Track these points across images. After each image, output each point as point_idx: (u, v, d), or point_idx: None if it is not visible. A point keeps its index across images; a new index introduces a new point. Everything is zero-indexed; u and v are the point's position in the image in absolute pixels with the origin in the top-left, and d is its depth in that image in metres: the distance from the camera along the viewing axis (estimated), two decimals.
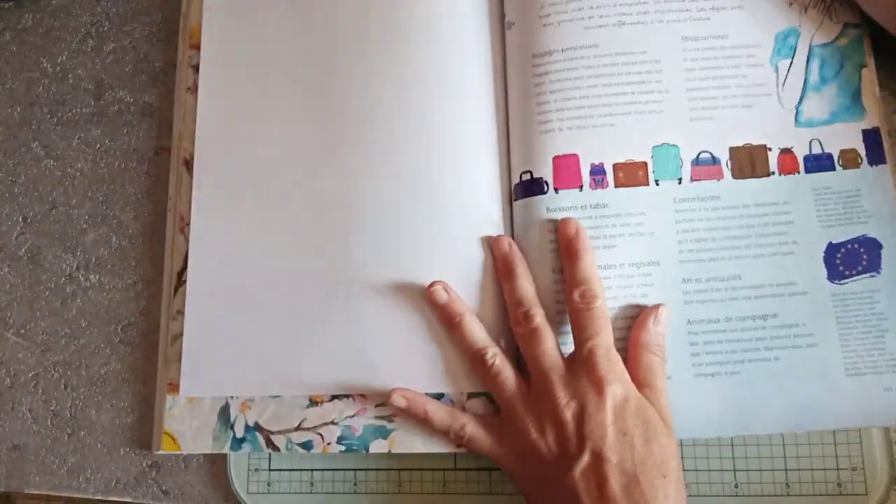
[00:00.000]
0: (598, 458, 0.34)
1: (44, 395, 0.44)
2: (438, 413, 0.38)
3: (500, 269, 0.39)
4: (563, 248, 0.39)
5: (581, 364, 0.36)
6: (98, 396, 0.43)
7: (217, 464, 0.42)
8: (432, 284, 0.39)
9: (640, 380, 0.36)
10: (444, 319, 0.39)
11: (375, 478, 0.41)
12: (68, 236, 0.46)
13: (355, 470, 0.41)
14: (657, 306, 0.38)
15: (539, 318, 0.37)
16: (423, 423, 0.38)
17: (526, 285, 0.38)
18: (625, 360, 0.37)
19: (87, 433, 0.43)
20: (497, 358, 0.37)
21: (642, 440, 0.34)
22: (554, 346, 0.37)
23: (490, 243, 0.40)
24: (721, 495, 0.39)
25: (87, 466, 0.42)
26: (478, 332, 0.38)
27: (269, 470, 0.41)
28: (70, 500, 0.43)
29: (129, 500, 0.42)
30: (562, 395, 0.35)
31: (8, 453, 0.43)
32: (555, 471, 0.34)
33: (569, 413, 0.35)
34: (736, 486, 0.39)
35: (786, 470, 0.39)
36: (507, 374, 0.37)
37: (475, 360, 0.38)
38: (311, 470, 0.41)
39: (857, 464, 0.39)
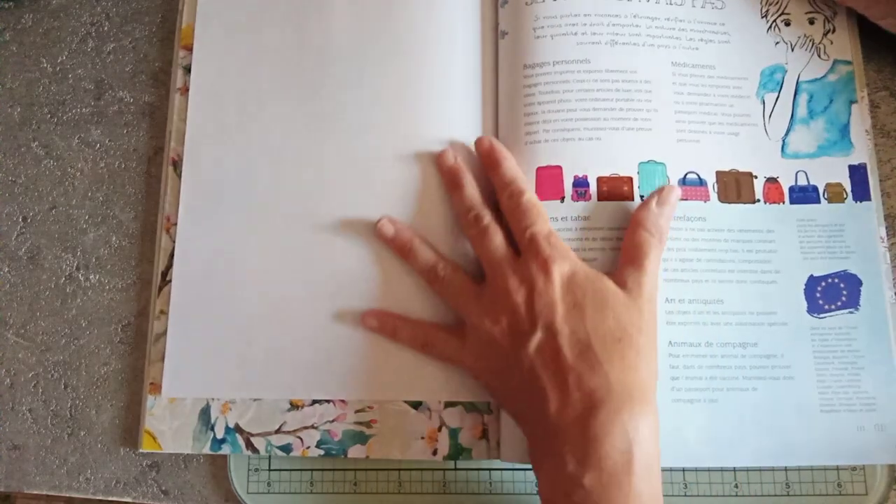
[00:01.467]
0: (550, 332, 0.34)
1: (44, 395, 0.44)
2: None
3: (446, 181, 0.41)
4: (484, 160, 0.40)
5: (525, 250, 0.37)
6: (98, 396, 0.43)
7: (217, 464, 0.42)
8: (379, 220, 0.40)
9: (626, 256, 0.37)
10: (397, 250, 0.40)
11: (375, 478, 0.41)
12: (68, 236, 0.46)
13: (355, 470, 0.41)
14: (664, 187, 0.38)
15: (487, 217, 0.38)
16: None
17: (473, 192, 0.40)
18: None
19: (87, 433, 0.43)
20: (448, 268, 0.39)
21: (593, 309, 0.34)
22: (503, 241, 0.38)
23: (435, 159, 0.41)
24: (721, 495, 0.39)
25: (87, 466, 0.43)
26: (428, 253, 0.40)
27: (269, 470, 0.41)
28: (70, 500, 0.43)
29: (129, 500, 0.42)
30: (512, 282, 0.36)
31: (8, 453, 0.43)
32: (512, 354, 0.35)
33: (519, 297, 0.35)
34: (736, 486, 0.39)
35: (786, 470, 0.39)
36: (461, 277, 0.38)
37: (429, 274, 0.39)
38: (311, 470, 0.41)
39: (857, 464, 0.39)
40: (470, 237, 0.39)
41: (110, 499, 0.42)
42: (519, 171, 0.39)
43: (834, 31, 0.43)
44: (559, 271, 0.35)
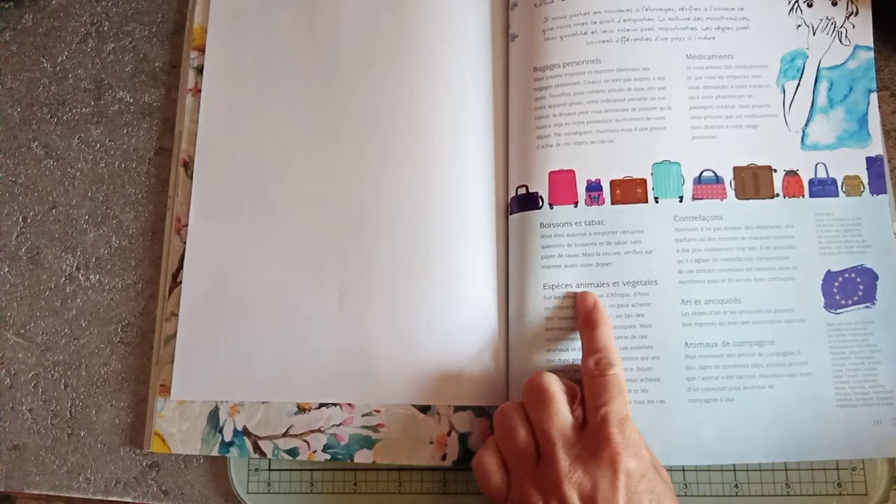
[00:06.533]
0: None
1: (44, 395, 0.44)
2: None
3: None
4: (582, 319, 0.38)
5: (592, 430, 0.34)
6: (98, 396, 0.43)
7: (217, 464, 0.42)
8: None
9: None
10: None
11: (375, 478, 0.41)
12: (68, 236, 0.46)
13: (355, 470, 0.41)
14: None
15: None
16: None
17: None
18: None
19: (87, 433, 0.43)
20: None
21: None
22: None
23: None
24: (721, 495, 0.39)
25: (87, 466, 0.42)
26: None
27: (269, 470, 0.41)
28: (70, 500, 0.43)
29: (129, 500, 0.42)
30: (574, 475, 0.33)
31: (8, 453, 0.43)
32: None
33: (578, 492, 0.33)
34: (736, 486, 0.39)
35: (786, 470, 0.39)
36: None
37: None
38: (311, 470, 0.41)
39: (857, 464, 0.39)
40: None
41: (110, 499, 0.42)
42: (613, 342, 0.37)
43: (856, 13, 0.41)
44: (626, 473, 0.33)
